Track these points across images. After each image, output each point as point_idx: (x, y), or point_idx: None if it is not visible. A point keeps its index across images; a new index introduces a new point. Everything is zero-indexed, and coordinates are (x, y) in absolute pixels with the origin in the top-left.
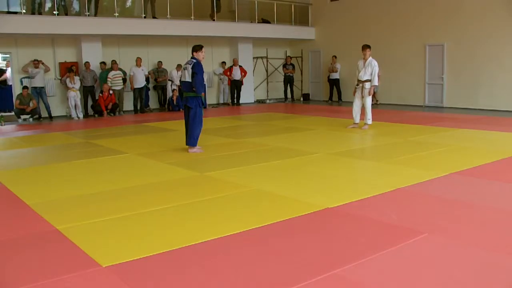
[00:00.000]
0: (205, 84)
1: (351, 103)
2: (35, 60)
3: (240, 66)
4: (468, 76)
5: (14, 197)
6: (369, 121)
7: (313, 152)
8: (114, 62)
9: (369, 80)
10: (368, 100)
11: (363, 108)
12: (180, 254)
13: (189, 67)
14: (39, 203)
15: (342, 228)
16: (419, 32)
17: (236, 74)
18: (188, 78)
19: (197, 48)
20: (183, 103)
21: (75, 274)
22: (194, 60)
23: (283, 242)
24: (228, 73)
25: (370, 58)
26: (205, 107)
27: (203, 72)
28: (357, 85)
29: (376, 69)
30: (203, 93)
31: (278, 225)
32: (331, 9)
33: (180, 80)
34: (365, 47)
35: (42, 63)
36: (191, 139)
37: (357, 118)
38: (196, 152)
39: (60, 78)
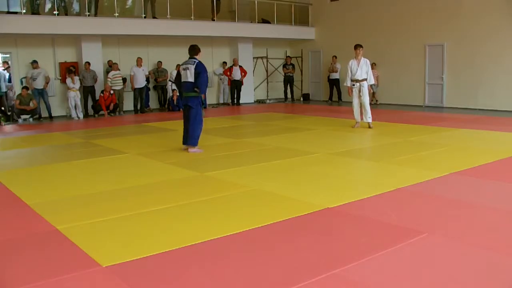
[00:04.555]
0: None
1: (351, 103)
2: (33, 61)
3: (240, 66)
4: (468, 76)
5: (14, 197)
6: (370, 119)
7: (313, 152)
8: (111, 62)
9: (365, 79)
10: (367, 99)
11: (361, 108)
12: (180, 254)
13: (192, 67)
14: (39, 203)
15: (342, 228)
16: (419, 32)
17: (236, 74)
18: (190, 78)
19: (199, 50)
20: (183, 103)
21: (75, 274)
22: (196, 60)
23: (283, 242)
24: (228, 73)
25: (362, 57)
26: (205, 107)
27: (207, 71)
28: (353, 84)
29: (370, 68)
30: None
31: (278, 225)
32: (331, 9)
33: (181, 81)
34: (359, 46)
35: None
36: (192, 139)
37: (359, 117)
38: (196, 152)
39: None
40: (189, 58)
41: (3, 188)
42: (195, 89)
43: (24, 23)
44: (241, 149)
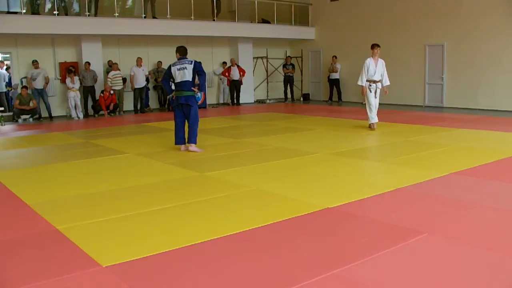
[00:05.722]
0: (204, 84)
1: (351, 103)
2: (34, 61)
3: (238, 66)
4: (468, 76)
5: (14, 197)
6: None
7: (313, 152)
8: (111, 62)
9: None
10: (378, 100)
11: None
12: (180, 254)
13: (189, 66)
14: (39, 203)
15: (342, 228)
16: (419, 32)
17: (235, 74)
18: (188, 77)
19: (186, 51)
20: (178, 102)
21: (75, 274)
22: (192, 60)
23: (283, 242)
24: (227, 73)
25: (378, 57)
26: (205, 107)
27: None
28: (370, 85)
29: (385, 69)
30: (203, 93)
31: (278, 225)
32: (331, 9)
33: (177, 81)
34: (376, 46)
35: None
36: (194, 137)
37: (376, 117)
38: (197, 151)
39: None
40: (181, 58)
41: (3, 188)
42: (192, 88)
43: (24, 23)
44: (241, 149)
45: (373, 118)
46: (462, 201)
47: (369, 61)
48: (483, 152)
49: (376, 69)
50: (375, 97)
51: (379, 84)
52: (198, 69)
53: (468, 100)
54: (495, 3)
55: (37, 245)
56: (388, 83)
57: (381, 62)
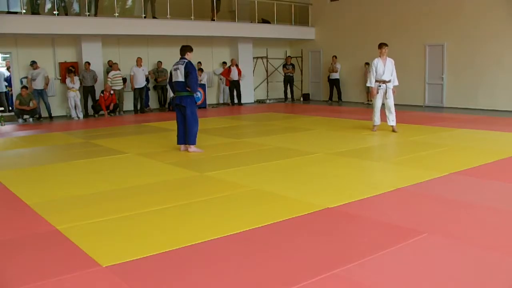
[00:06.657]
0: (204, 84)
1: (351, 103)
2: (32, 62)
3: (236, 65)
4: (468, 76)
5: (14, 197)
6: (394, 122)
7: (313, 152)
8: (111, 62)
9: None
10: (393, 101)
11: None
12: (180, 254)
13: (181, 67)
14: (39, 203)
15: (342, 228)
16: (419, 32)
17: (235, 75)
18: (180, 78)
19: (189, 50)
20: (176, 103)
21: (75, 274)
22: (186, 60)
23: (283, 242)
24: (226, 74)
25: (387, 57)
26: (205, 107)
27: (196, 70)
28: (380, 86)
29: (394, 68)
30: (201, 90)
31: (278, 225)
32: (331, 9)
33: (172, 81)
34: (384, 45)
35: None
36: (191, 137)
37: (379, 120)
38: (196, 151)
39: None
40: (180, 58)
41: (3, 188)
42: (187, 88)
43: (24, 23)
44: (241, 149)
45: (376, 121)
46: (462, 201)
47: (377, 61)
48: (483, 152)
49: (385, 68)
50: (387, 98)
51: (389, 85)
52: (186, 69)
53: (468, 100)
54: (495, 4)
55: (37, 245)
56: (396, 83)
57: (390, 61)
